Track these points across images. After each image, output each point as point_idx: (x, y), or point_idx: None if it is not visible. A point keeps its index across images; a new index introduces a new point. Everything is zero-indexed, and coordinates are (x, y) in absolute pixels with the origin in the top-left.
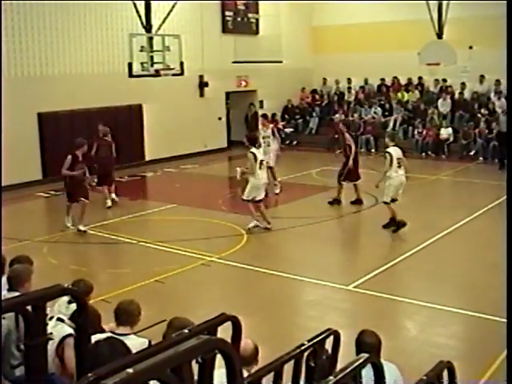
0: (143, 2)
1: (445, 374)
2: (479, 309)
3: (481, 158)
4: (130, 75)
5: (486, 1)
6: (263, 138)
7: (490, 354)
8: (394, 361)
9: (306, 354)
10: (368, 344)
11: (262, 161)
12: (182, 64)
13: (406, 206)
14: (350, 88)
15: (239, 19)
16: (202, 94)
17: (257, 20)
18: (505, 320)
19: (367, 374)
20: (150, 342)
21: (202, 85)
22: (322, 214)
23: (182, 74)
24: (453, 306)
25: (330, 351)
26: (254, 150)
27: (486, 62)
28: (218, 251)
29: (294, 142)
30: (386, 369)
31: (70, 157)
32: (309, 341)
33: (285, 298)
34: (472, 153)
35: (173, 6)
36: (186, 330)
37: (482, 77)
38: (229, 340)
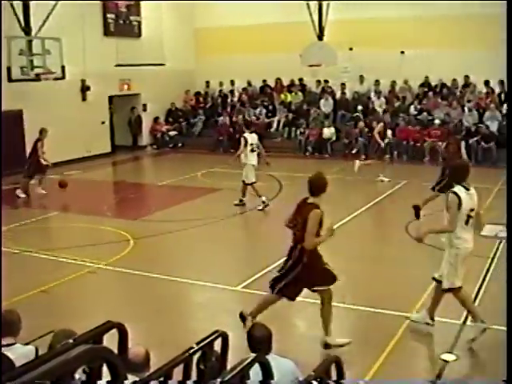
0: (21, 3)
1: (333, 368)
2: (366, 303)
3: (362, 156)
4: (10, 80)
5: (365, 1)
6: None
7: (378, 346)
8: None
9: (195, 356)
10: (258, 338)
11: (252, 144)
12: (63, 68)
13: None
14: (233, 90)
15: (121, 22)
16: (84, 98)
17: (139, 22)
18: (391, 312)
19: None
20: (37, 348)
21: (84, 89)
22: (209, 216)
23: (63, 77)
24: (340, 301)
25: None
26: (246, 134)
27: (366, 63)
28: (105, 258)
29: (179, 145)
30: (277, 364)
31: None
32: (197, 343)
33: (174, 301)
34: (354, 151)
35: (52, 8)
36: (71, 340)
37: (362, 77)
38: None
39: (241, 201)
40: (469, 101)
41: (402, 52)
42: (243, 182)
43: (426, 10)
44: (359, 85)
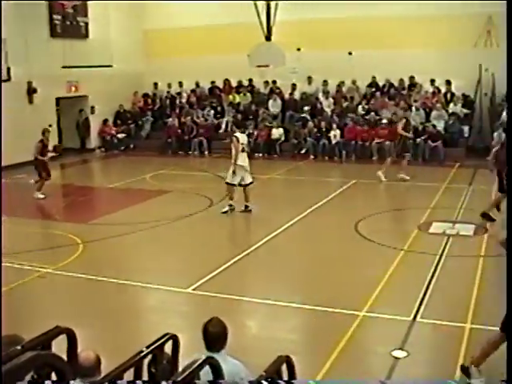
0: None
1: (284, 368)
2: (317, 302)
3: (311, 156)
4: None
5: (313, 0)
6: None
7: (329, 345)
8: (238, 359)
9: (146, 360)
10: (213, 334)
11: (243, 144)
12: (8, 69)
13: (241, 206)
14: (181, 92)
15: (68, 23)
16: (30, 101)
17: (86, 24)
18: (342, 311)
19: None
20: None
21: (31, 91)
22: (158, 218)
23: (8, 79)
24: (291, 301)
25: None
26: (237, 134)
27: (314, 64)
28: (54, 262)
29: (128, 147)
30: (226, 364)
31: None
32: (148, 347)
33: (125, 305)
34: (303, 151)
35: None
36: (19, 347)
37: (310, 78)
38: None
39: (246, 207)
40: (415, 100)
41: (350, 53)
42: (240, 185)
43: (372, 10)
44: (307, 85)
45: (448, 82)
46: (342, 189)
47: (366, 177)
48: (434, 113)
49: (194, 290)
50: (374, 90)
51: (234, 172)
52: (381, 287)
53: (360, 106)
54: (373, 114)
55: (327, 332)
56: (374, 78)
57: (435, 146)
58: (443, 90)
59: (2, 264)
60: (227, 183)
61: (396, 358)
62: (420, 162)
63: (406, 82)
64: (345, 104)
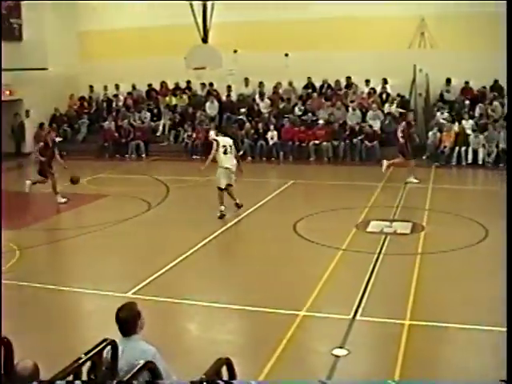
0: None
1: (224, 370)
2: (257, 303)
3: (249, 158)
4: None
5: (248, 0)
6: None
7: (271, 345)
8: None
9: (86, 366)
10: (121, 319)
11: (224, 146)
12: None
13: (180, 209)
14: (117, 94)
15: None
16: None
17: (20, 25)
18: (282, 311)
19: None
20: None
21: None
22: (96, 223)
23: None
24: (232, 302)
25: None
26: (218, 137)
27: (250, 65)
28: None
29: (64, 152)
30: (133, 351)
31: None
32: (86, 353)
33: (64, 311)
34: (240, 153)
35: None
36: None
37: (247, 79)
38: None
39: (237, 204)
40: (352, 101)
41: (286, 54)
42: (229, 185)
43: (307, 12)
44: (244, 87)
45: (383, 83)
46: (280, 189)
47: (304, 177)
48: (369, 113)
49: (134, 293)
50: (310, 90)
51: (222, 176)
52: (320, 287)
53: (297, 107)
54: (310, 114)
55: (268, 332)
56: (309, 78)
57: (372, 146)
58: (379, 90)
59: None
60: (219, 188)
61: (337, 356)
62: (357, 162)
63: (343, 83)
64: (281, 105)
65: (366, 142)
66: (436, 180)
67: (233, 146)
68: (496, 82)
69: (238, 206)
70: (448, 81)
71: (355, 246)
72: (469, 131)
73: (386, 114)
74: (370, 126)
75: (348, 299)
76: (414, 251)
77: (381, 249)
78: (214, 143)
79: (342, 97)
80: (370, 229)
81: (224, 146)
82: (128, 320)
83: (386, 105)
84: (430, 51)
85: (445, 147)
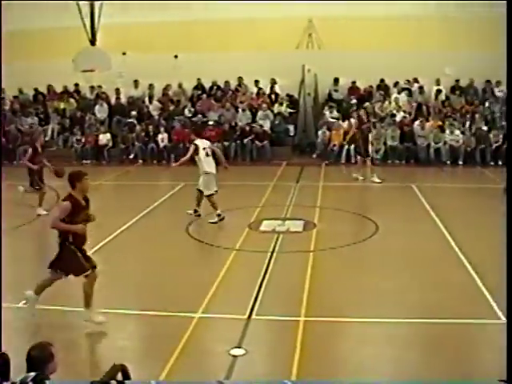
0: None
1: (120, 376)
2: (153, 307)
3: (140, 161)
4: None
5: (136, 0)
6: None
7: (168, 348)
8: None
9: None
10: (34, 358)
11: (204, 148)
12: None
13: None
14: (3, 98)
15: None
16: None
17: None
18: (178, 314)
19: None
20: None
21: None
22: None
23: None
24: (127, 307)
25: None
26: (196, 141)
27: (140, 67)
28: None
29: None
30: None
31: None
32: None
33: None
34: (131, 156)
35: None
36: None
37: (137, 82)
38: None
39: (195, 211)
40: (241, 102)
41: (176, 56)
42: (199, 190)
43: (196, 14)
44: (134, 89)
45: (273, 83)
46: (172, 192)
47: (195, 179)
48: (259, 113)
49: (25, 304)
50: (200, 92)
51: (210, 181)
52: (215, 288)
53: (186, 109)
54: (200, 116)
55: (165, 336)
56: (199, 80)
57: (262, 146)
58: (268, 90)
59: None
60: (206, 195)
61: (234, 356)
62: (248, 162)
63: (233, 84)
64: (171, 107)
65: (257, 142)
66: (326, 178)
67: (215, 148)
68: (382, 81)
69: (220, 217)
70: (336, 80)
71: (248, 245)
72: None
73: (275, 114)
74: (261, 126)
75: (243, 299)
76: (307, 248)
77: (274, 247)
78: (193, 147)
79: (232, 98)
80: (262, 228)
81: (204, 149)
82: (38, 360)
83: (276, 105)
84: (317, 52)
85: (334, 145)
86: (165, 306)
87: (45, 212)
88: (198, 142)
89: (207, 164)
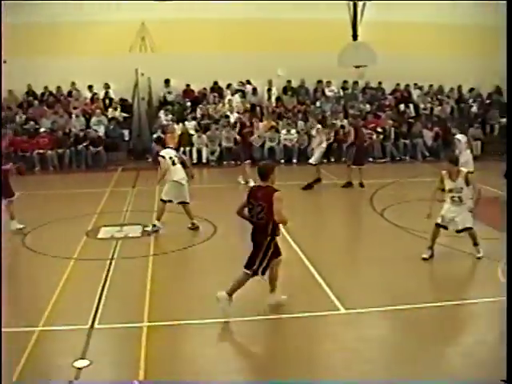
0: None
1: None
2: None
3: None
4: None
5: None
6: None
7: (10, 366)
8: None
9: None
10: None
11: (171, 157)
12: None
13: None
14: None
15: None
16: None
17: None
18: (15, 329)
19: None
20: None
21: None
22: None
23: None
24: None
25: None
26: (161, 152)
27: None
28: None
29: None
30: None
31: None
32: None
33: None
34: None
35: None
36: None
37: None
38: None
39: (193, 224)
40: (75, 107)
41: (5, 61)
42: (182, 202)
43: (21, 18)
44: None
45: (106, 87)
46: None
47: (31, 188)
48: (93, 119)
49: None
50: (31, 98)
51: (173, 189)
52: (55, 299)
53: (17, 116)
54: (32, 123)
55: (6, 353)
56: (29, 85)
57: (97, 152)
58: (102, 95)
59: None
60: (161, 199)
61: (79, 368)
62: (83, 169)
63: (65, 89)
64: (2, 114)
65: (92, 148)
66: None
67: (181, 156)
68: (216, 83)
69: (194, 227)
70: (167, 81)
71: (87, 254)
72: (192, 131)
73: (109, 119)
74: (95, 132)
75: (85, 308)
76: (146, 253)
77: (113, 254)
78: (161, 159)
79: (65, 103)
80: (100, 235)
81: (170, 158)
82: None
83: (110, 109)
84: (150, 55)
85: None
86: (4, 320)
87: (21, 226)
88: (163, 152)
89: (174, 172)
